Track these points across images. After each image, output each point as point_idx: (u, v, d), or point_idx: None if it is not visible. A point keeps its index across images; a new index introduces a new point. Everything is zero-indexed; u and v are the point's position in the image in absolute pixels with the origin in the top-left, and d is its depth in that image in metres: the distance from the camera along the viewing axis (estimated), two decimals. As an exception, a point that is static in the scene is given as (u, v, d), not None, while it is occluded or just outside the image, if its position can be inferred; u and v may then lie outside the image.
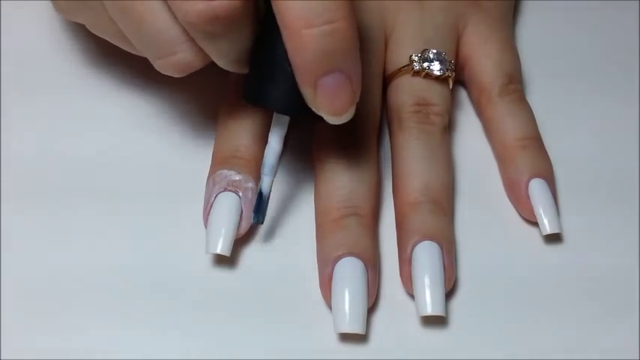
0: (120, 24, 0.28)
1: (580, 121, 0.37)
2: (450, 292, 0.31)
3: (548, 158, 0.33)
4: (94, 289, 0.30)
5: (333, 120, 0.28)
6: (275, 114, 0.30)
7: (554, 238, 0.33)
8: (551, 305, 0.31)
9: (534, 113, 0.35)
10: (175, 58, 0.28)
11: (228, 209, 0.30)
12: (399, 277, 0.30)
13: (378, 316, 0.30)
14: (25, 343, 0.29)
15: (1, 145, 0.34)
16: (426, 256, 0.30)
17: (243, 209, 0.31)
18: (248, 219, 0.31)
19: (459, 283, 0.31)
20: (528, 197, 0.32)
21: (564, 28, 0.40)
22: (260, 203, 0.30)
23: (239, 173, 0.31)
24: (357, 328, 0.28)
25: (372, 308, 0.30)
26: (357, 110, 0.32)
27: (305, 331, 0.29)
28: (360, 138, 0.32)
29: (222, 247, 0.30)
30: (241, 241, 0.31)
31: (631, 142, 0.36)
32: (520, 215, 0.33)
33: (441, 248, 0.30)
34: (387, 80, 0.34)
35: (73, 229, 0.32)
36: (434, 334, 0.30)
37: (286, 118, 0.29)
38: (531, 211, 0.32)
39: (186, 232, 0.31)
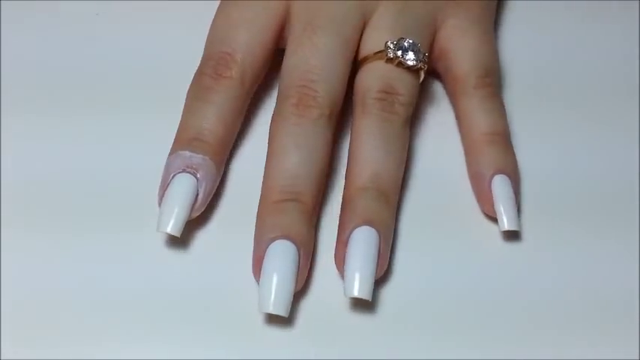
0: None
1: (557, 127, 0.36)
2: (395, 280, 0.31)
3: (514, 155, 0.33)
4: (85, 300, 0.30)
5: None
6: None
7: (512, 236, 0.32)
8: (505, 306, 0.31)
9: (511, 114, 0.34)
10: None
11: (184, 190, 0.31)
12: (333, 266, 0.30)
13: (307, 302, 0.30)
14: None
15: (2, 161, 0.34)
16: (364, 240, 0.30)
17: (199, 192, 0.31)
18: (203, 201, 0.31)
19: (409, 271, 0.31)
20: (490, 192, 0.32)
21: (549, 31, 0.40)
22: None
23: (199, 155, 0.31)
24: (280, 311, 0.28)
25: (300, 293, 0.30)
26: (317, 91, 0.32)
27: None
28: (316, 120, 0.32)
29: (172, 227, 0.30)
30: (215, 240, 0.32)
31: (611, 147, 0.35)
32: (482, 211, 0.33)
33: (379, 235, 0.30)
34: (359, 64, 0.34)
35: (70, 240, 0.32)
36: (365, 321, 0.30)
37: None
38: (492, 206, 0.32)
39: (186, 238, 0.32)
